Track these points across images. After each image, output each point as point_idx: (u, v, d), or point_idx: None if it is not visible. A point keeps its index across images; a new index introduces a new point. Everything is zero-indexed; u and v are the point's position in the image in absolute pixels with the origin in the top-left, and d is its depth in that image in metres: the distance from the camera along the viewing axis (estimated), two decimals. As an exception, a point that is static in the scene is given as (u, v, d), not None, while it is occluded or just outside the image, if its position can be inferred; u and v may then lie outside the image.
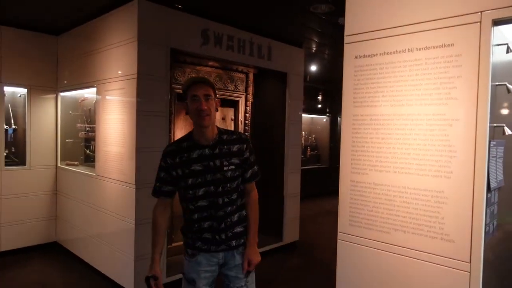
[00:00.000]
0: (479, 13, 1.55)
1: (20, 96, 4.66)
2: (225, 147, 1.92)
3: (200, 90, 1.83)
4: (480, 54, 1.54)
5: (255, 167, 2.04)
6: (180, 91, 3.94)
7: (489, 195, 1.59)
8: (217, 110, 1.93)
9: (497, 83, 1.61)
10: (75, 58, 4.38)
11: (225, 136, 1.95)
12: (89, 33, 4.10)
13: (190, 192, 1.89)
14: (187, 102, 1.87)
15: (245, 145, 1.97)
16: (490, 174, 1.57)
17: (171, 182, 1.93)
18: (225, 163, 1.89)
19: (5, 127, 4.44)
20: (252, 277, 2.04)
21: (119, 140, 3.59)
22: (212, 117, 1.86)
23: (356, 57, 1.95)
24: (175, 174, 1.90)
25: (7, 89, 4.47)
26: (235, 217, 1.96)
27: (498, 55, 1.61)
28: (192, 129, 1.95)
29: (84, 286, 3.77)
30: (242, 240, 1.99)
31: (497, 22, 1.53)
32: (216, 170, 1.88)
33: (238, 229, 1.97)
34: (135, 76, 3.33)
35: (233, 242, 1.95)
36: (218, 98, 1.94)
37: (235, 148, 1.94)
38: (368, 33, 1.91)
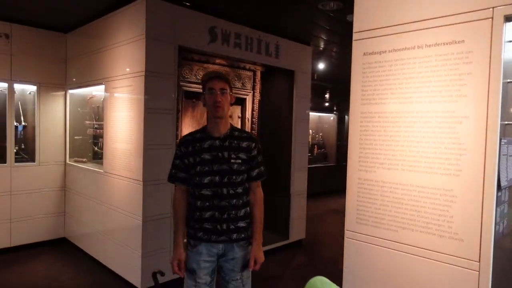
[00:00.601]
0: (491, 9, 1.53)
1: (29, 93, 4.71)
2: (235, 142, 2.04)
3: (217, 84, 1.99)
4: (491, 50, 1.52)
5: (262, 168, 2.13)
6: (188, 88, 3.98)
7: (499, 193, 1.57)
8: (231, 104, 2.07)
9: (508, 80, 1.59)
10: (84, 55, 4.41)
11: (236, 133, 2.08)
12: (98, 30, 4.13)
13: (197, 178, 2.01)
14: (205, 94, 2.01)
15: (253, 144, 2.08)
16: (500, 173, 1.55)
17: (185, 169, 2.06)
18: (233, 156, 2.00)
19: (15, 124, 4.49)
20: (248, 273, 2.09)
21: (126, 137, 3.61)
22: (226, 110, 2.00)
23: (364, 54, 1.94)
24: (187, 162, 2.04)
25: (17, 86, 4.52)
26: (241, 212, 2.04)
27: (510, 52, 1.59)
28: (207, 122, 2.09)
29: (91, 281, 3.81)
30: (243, 235, 2.05)
31: (509, 18, 1.51)
32: (223, 161, 1.99)
33: (241, 224, 2.04)
34: (143, 73, 3.34)
35: (234, 235, 2.01)
36: (232, 94, 2.08)
37: (244, 144, 2.05)
38: (377, 30, 1.89)
